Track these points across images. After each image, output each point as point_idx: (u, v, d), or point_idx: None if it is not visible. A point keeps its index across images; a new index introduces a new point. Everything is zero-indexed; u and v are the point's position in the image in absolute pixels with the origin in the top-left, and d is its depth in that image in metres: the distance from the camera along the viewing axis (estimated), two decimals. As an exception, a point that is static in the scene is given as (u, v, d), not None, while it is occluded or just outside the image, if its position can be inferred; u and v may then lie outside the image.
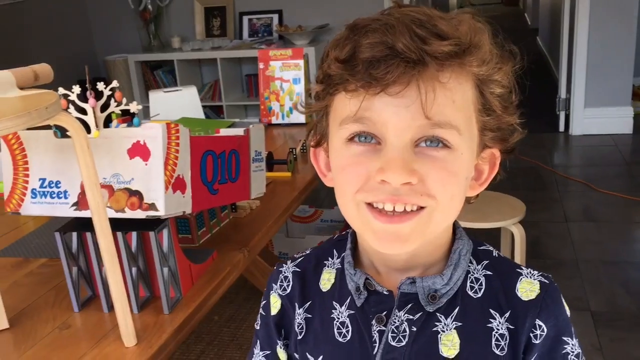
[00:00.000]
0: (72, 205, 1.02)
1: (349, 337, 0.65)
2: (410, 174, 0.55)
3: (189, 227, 1.28)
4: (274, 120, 2.31)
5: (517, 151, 0.65)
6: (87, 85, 1.68)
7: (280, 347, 0.72)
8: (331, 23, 4.34)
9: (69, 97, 1.57)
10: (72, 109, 1.59)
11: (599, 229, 2.80)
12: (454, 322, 0.62)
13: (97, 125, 1.64)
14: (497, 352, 0.62)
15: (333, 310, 0.66)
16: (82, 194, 1.01)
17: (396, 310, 0.63)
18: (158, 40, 4.58)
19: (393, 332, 0.62)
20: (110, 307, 1.07)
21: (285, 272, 0.71)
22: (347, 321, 0.65)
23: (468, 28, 0.57)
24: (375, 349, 0.63)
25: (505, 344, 0.62)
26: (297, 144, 1.98)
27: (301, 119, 2.29)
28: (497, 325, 0.62)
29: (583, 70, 3.99)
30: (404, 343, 0.62)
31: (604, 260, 2.50)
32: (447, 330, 0.62)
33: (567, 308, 0.65)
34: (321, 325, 0.67)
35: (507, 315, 0.63)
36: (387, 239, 0.58)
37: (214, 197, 1.13)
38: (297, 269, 0.71)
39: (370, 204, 0.58)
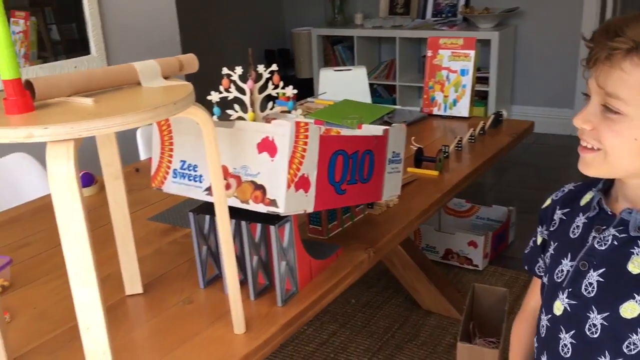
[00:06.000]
0: (205, 190, 1.07)
1: (576, 236, 0.90)
2: (584, 123, 0.81)
3: (320, 219, 1.29)
4: (435, 111, 2.24)
5: None
6: (249, 67, 1.75)
7: (539, 233, 1.00)
8: (521, 6, 4.07)
9: (232, 77, 1.65)
10: (233, 88, 1.68)
11: None
12: None
13: (252, 106, 1.71)
14: None
15: (577, 217, 0.92)
16: (215, 180, 1.06)
17: (611, 227, 0.85)
18: (342, 15, 4.65)
19: (600, 239, 0.86)
20: (231, 290, 1.12)
21: (564, 188, 0.99)
22: (581, 225, 0.90)
23: None
24: (585, 248, 0.87)
25: None
26: (453, 140, 1.90)
27: (464, 112, 2.19)
28: None
29: None
30: (602, 249, 0.85)
31: None
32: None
33: None
34: (566, 224, 0.93)
35: None
36: (580, 162, 0.84)
37: (340, 197, 1.12)
38: (572, 188, 0.98)
39: None
